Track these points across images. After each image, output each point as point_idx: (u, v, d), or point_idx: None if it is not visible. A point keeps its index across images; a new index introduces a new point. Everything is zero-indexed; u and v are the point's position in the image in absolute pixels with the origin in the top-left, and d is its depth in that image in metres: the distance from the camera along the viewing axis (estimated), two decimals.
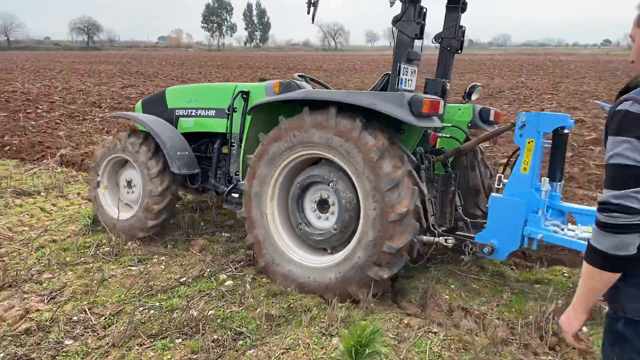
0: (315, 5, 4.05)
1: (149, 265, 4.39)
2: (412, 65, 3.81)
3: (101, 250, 4.69)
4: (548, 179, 3.67)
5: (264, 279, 4.11)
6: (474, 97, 4.70)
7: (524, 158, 3.62)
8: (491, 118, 4.46)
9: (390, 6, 3.72)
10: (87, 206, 5.96)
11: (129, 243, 4.80)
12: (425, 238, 3.61)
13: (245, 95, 4.64)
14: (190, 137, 5.00)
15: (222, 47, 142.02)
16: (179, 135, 4.90)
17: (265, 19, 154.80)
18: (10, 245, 4.77)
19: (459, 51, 4.45)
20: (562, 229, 3.56)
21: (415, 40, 3.78)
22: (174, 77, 27.42)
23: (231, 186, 4.67)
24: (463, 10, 4.38)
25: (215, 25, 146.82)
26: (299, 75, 4.76)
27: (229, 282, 4.07)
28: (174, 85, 7.96)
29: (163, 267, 4.37)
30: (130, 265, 4.39)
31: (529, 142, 3.60)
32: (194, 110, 5.04)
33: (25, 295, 3.80)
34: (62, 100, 16.61)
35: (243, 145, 4.37)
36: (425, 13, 3.79)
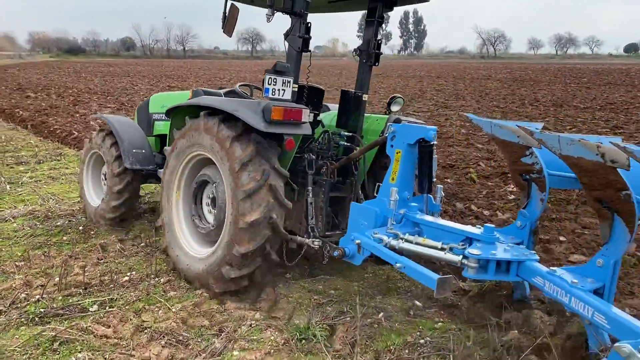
0: (230, 17, 4.12)
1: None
2: (283, 76, 3.91)
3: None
4: (397, 188, 3.69)
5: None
6: (393, 108, 4.78)
7: (393, 168, 3.76)
8: None
9: (268, 21, 4.02)
10: None
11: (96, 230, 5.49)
12: (299, 239, 4.02)
13: None
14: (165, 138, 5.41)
15: None
16: (141, 135, 5.45)
17: (422, 27, 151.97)
18: None
19: (376, 64, 4.70)
20: (401, 239, 3.44)
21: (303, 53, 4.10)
22: (337, 87, 26.19)
23: None
24: (380, 24, 4.62)
25: None
26: (240, 85, 5.28)
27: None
28: None
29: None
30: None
31: (397, 153, 3.76)
32: (163, 115, 5.33)
33: None
34: None
35: (167, 142, 4.86)
36: (309, 28, 4.09)
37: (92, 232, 5.40)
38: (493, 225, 3.31)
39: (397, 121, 4.37)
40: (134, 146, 5.23)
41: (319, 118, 4.86)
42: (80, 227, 5.50)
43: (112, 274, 4.36)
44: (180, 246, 4.32)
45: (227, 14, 4.12)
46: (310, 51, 4.10)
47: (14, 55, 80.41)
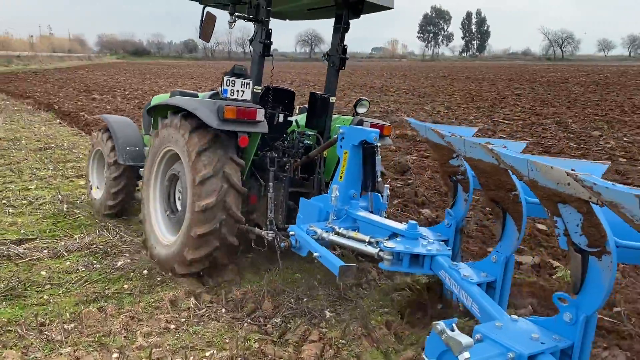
0: (206, 24, 4.25)
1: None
2: (242, 78, 4.16)
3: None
4: (338, 186, 3.97)
5: None
6: (359, 110, 4.97)
7: (341, 167, 4.04)
8: None
9: (230, 27, 4.32)
10: None
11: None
12: (257, 230, 4.24)
13: None
14: None
15: (436, 57, 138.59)
16: (136, 134, 5.83)
17: (485, 27, 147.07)
18: None
19: (342, 68, 4.95)
20: (335, 233, 3.69)
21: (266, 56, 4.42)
22: (406, 91, 24.74)
23: None
24: (346, 30, 4.88)
25: (431, 35, 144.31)
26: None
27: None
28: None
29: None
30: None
31: (345, 153, 4.04)
32: None
33: None
34: None
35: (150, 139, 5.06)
36: (270, 34, 4.34)
37: (159, 279, 4.32)
38: (416, 222, 3.43)
39: (360, 122, 4.66)
40: (128, 144, 5.65)
41: (291, 118, 5.15)
42: (145, 271, 4.44)
43: (186, 351, 3.24)
44: (155, 237, 4.63)
45: (203, 21, 4.28)
46: (272, 55, 4.41)
47: (83, 57, 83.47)
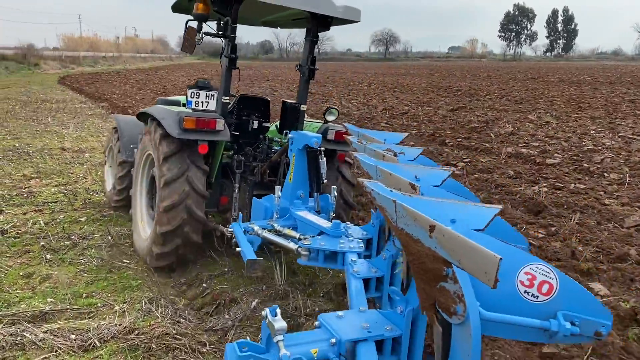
0: (187, 37, 4.42)
1: None
2: (207, 90, 4.51)
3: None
4: (281, 187, 4.38)
5: None
6: (329, 117, 5.23)
7: (291, 170, 4.30)
8: (329, 137, 4.88)
9: (198, 43, 4.46)
10: None
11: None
12: (220, 227, 4.59)
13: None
14: None
15: (517, 56, 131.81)
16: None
17: (572, 26, 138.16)
18: None
19: (312, 78, 5.17)
20: (272, 230, 4.03)
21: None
22: (498, 95, 22.35)
23: None
24: (315, 43, 5.13)
25: (513, 34, 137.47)
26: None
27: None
28: None
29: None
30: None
31: (293, 157, 4.31)
32: None
33: None
34: (389, 128, 13.13)
35: None
36: (236, 48, 4.64)
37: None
38: (339, 222, 3.64)
39: (326, 129, 4.95)
40: (132, 142, 5.82)
41: (269, 125, 5.63)
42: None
43: None
44: (138, 231, 5.02)
45: (184, 33, 4.42)
46: (238, 68, 4.73)
47: (165, 58, 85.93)
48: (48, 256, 4.95)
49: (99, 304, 4.04)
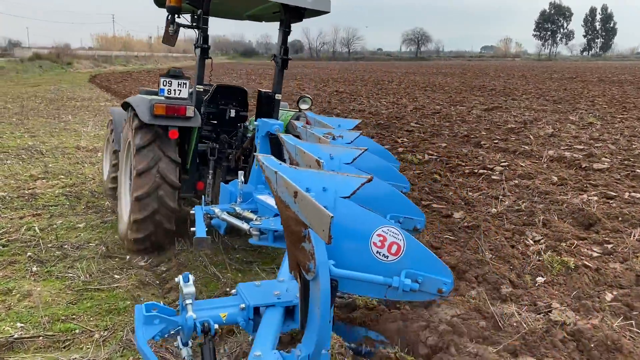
0: (173, 30, 4.62)
1: None
2: (179, 79, 4.69)
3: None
4: (244, 172, 4.59)
5: None
6: (302, 106, 5.56)
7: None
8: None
9: (172, 34, 4.67)
10: None
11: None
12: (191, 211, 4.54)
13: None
14: None
15: (553, 56, 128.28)
16: None
17: (611, 25, 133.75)
18: None
19: (285, 68, 5.32)
20: (232, 213, 4.21)
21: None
22: (535, 95, 21.24)
23: None
24: (287, 34, 5.21)
25: (549, 33, 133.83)
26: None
27: None
28: None
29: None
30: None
31: (258, 143, 4.56)
32: None
33: None
34: (420, 128, 12.36)
35: None
36: (207, 39, 4.88)
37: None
38: None
39: (298, 117, 5.32)
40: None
41: (244, 113, 5.60)
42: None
43: None
44: (120, 216, 5.06)
45: (165, 27, 4.64)
46: (210, 58, 5.04)
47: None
48: (34, 268, 4.45)
49: (77, 330, 3.47)
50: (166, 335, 2.40)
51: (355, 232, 2.11)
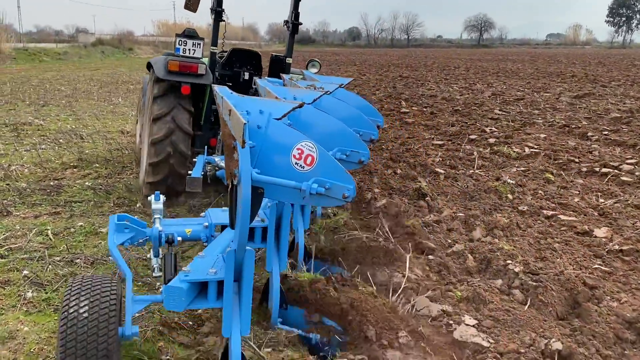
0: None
1: None
2: (193, 39, 4.94)
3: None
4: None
5: None
6: (311, 69, 5.89)
7: None
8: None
9: (194, 11, 5.30)
10: None
11: None
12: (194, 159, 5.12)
13: None
14: None
15: (628, 43, 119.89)
16: None
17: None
18: None
19: (296, 33, 5.72)
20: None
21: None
22: (627, 82, 18.77)
23: None
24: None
25: (623, 19, 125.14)
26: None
27: None
28: None
29: None
30: None
31: None
32: None
33: None
34: (506, 115, 10.65)
35: None
36: (221, 2, 5.27)
37: None
38: None
39: (304, 78, 5.09)
40: None
41: (257, 77, 5.79)
42: None
43: None
44: (141, 164, 5.44)
45: None
46: (225, 20, 5.33)
47: (254, 45, 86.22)
48: (29, 294, 3.29)
49: None
50: (135, 244, 2.82)
51: (279, 145, 2.23)
